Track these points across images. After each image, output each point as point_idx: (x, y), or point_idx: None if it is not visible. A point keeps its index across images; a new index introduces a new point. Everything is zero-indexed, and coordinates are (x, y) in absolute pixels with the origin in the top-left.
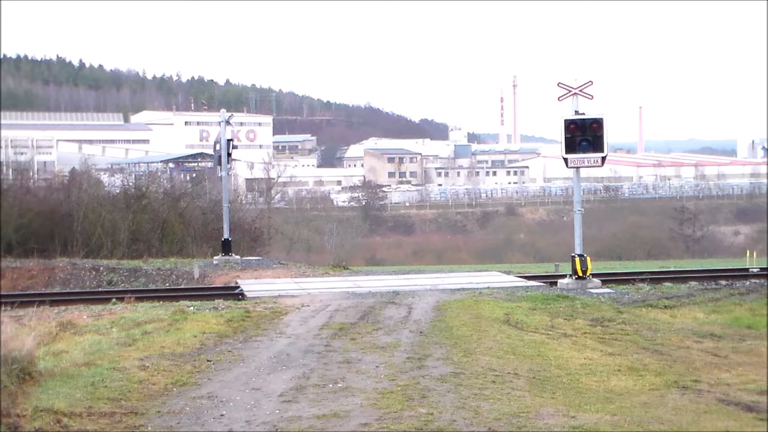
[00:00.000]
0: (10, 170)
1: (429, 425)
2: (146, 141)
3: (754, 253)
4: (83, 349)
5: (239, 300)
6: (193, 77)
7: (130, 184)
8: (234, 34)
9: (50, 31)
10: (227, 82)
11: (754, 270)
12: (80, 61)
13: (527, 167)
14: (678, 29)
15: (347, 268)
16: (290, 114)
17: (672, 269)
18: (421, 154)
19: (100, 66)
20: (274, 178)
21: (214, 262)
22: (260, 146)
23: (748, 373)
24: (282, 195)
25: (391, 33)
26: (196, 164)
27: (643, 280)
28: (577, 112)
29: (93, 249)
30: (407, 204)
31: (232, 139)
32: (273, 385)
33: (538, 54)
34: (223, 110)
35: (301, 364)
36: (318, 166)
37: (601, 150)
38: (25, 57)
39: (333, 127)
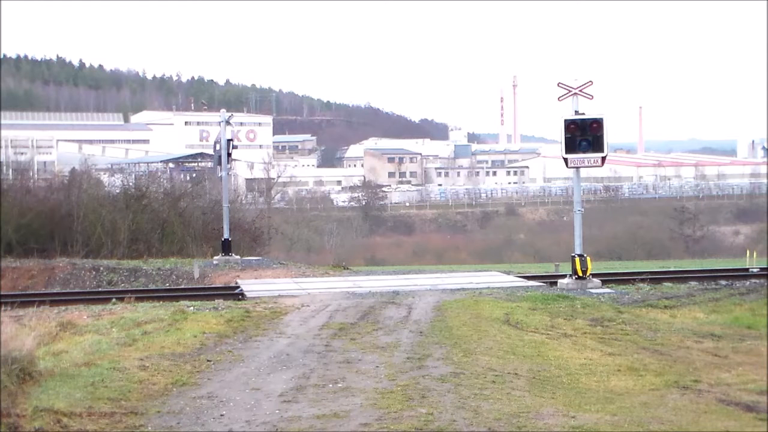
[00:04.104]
0: (10, 170)
1: (429, 425)
2: (146, 141)
3: (754, 253)
4: (83, 349)
5: (239, 300)
6: (193, 77)
7: (130, 184)
8: (234, 34)
9: (50, 31)
10: (227, 82)
11: (754, 270)
12: (80, 61)
13: (527, 167)
14: (678, 29)
15: (347, 268)
16: (290, 114)
17: (672, 269)
18: (421, 154)
19: (100, 66)
20: (274, 178)
21: (214, 262)
22: (260, 146)
23: (748, 373)
24: (282, 195)
25: (391, 33)
26: (196, 164)
27: (643, 280)
28: (577, 112)
29: (93, 249)
30: (407, 204)
31: (232, 139)
32: (273, 385)
33: (538, 54)
34: (223, 110)
35: (301, 364)
36: (318, 166)
37: (601, 150)
38: (25, 57)
39: (333, 127)
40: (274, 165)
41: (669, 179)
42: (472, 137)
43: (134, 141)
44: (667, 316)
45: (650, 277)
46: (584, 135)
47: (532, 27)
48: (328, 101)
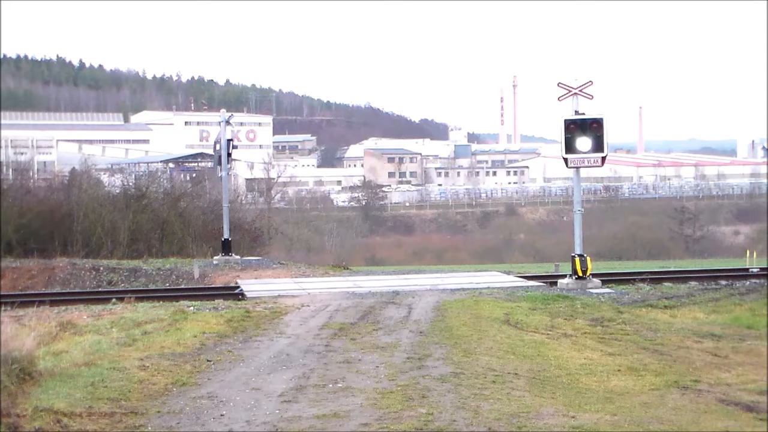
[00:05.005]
0: (10, 170)
1: (429, 425)
2: (146, 141)
3: (754, 253)
4: (83, 349)
5: (239, 300)
6: (193, 77)
7: (130, 184)
8: (234, 34)
9: (50, 31)
10: (227, 82)
11: (754, 270)
12: (80, 61)
13: (527, 167)
14: (678, 29)
15: (347, 268)
16: (290, 114)
17: (672, 269)
18: (421, 154)
19: (100, 66)
20: (274, 178)
21: (214, 262)
22: (260, 146)
23: (748, 373)
24: (282, 195)
25: (391, 33)
26: (196, 164)
27: (643, 280)
28: (577, 112)
29: (93, 249)
30: (407, 204)
31: (232, 139)
32: (273, 385)
33: (538, 54)
34: (223, 110)
35: (301, 364)
36: (318, 166)
37: (601, 150)
38: (25, 57)
39: (333, 127)
40: (274, 165)
41: (669, 179)
42: (472, 137)
43: (134, 141)
44: (667, 316)
45: (650, 277)
46: (584, 135)
47: (532, 27)
48: (328, 101)
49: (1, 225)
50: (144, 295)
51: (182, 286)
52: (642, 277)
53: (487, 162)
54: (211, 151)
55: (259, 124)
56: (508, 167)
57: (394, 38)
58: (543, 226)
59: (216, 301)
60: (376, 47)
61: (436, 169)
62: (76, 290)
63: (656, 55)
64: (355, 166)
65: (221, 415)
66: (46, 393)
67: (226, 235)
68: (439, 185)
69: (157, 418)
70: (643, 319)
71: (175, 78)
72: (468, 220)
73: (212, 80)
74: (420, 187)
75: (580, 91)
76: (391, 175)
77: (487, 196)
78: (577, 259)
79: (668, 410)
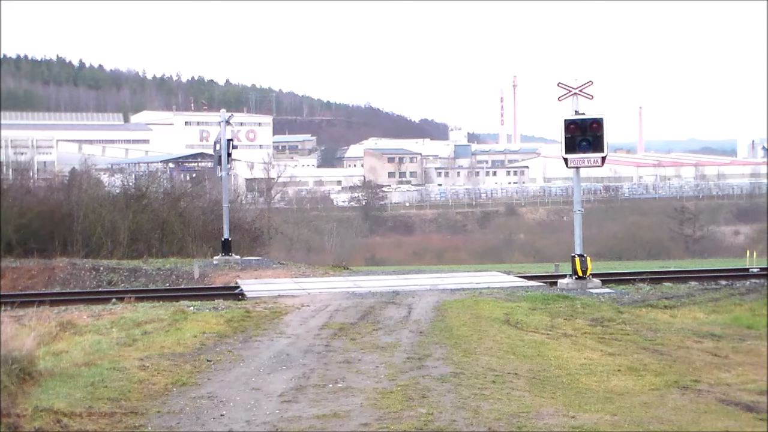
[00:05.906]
0: (10, 170)
1: (429, 425)
2: (146, 141)
3: (754, 253)
4: (83, 349)
5: (239, 300)
6: (193, 77)
7: (130, 184)
8: (234, 34)
9: (50, 31)
10: (227, 82)
11: (754, 270)
12: (80, 61)
13: (527, 167)
14: (678, 29)
15: (347, 268)
16: (290, 114)
17: (672, 269)
18: (421, 154)
19: (100, 66)
20: (274, 178)
21: (214, 262)
22: (260, 146)
23: (748, 373)
24: (282, 195)
25: (391, 33)
26: (196, 164)
27: (643, 280)
28: (577, 112)
29: (93, 249)
30: (407, 204)
31: (232, 139)
32: (273, 385)
33: (538, 54)
34: (223, 110)
35: (301, 364)
36: (318, 166)
37: (601, 150)
38: (25, 57)
39: (333, 127)
40: (274, 165)
41: (669, 179)
42: (472, 137)
43: (134, 141)
44: (667, 316)
45: (650, 277)
46: (584, 135)
47: (532, 27)
48: (328, 101)
49: (1, 225)
50: (144, 295)
51: (182, 286)
52: (642, 277)
53: (487, 162)
54: (211, 151)
55: (259, 124)
56: (508, 167)
57: (394, 38)
58: (543, 226)
59: (216, 301)
60: (376, 47)
61: (436, 169)
62: (76, 290)
63: (656, 55)
64: (355, 166)
65: (221, 415)
66: (46, 393)
67: (226, 235)
68: (439, 185)
69: (157, 418)
70: (643, 319)
71: (175, 78)
72: (468, 220)
73: (212, 80)
74: (420, 187)
75: (580, 91)
76: (391, 175)
77: (487, 196)
78: (577, 259)
79: (668, 410)
